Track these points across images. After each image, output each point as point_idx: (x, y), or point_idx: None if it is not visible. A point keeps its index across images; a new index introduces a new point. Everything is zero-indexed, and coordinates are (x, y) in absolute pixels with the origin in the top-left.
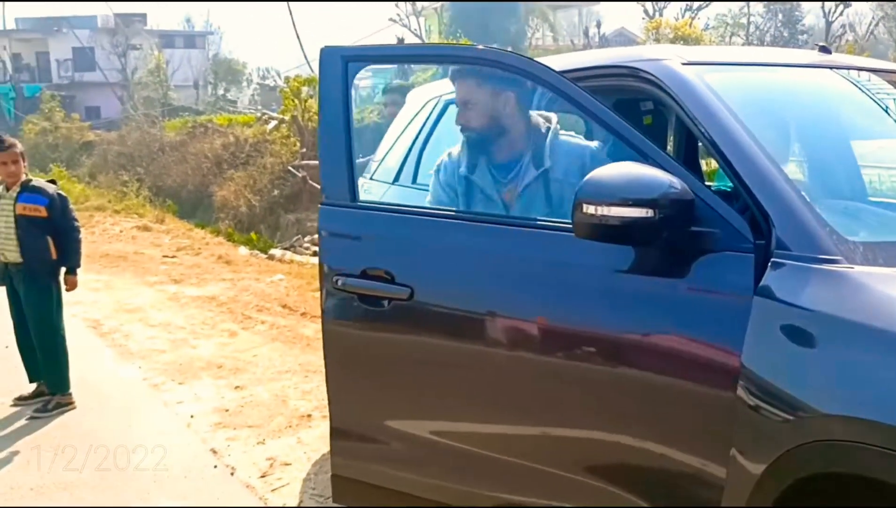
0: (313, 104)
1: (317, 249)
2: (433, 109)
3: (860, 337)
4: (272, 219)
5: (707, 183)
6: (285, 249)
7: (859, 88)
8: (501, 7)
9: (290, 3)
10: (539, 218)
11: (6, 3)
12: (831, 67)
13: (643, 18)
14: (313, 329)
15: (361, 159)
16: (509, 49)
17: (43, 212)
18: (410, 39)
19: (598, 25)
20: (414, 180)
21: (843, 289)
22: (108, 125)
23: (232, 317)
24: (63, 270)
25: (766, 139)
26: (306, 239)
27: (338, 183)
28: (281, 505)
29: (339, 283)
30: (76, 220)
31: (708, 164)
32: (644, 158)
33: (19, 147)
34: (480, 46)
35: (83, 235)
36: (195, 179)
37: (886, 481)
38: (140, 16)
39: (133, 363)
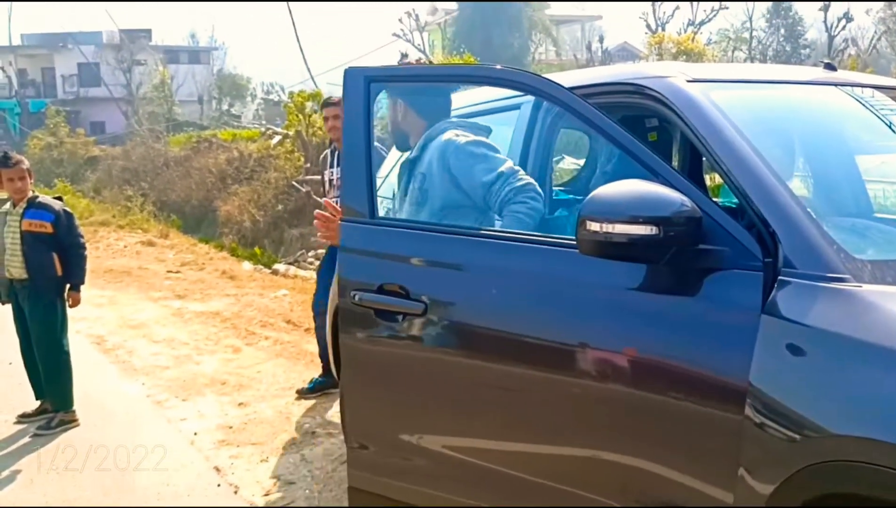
0: (317, 119)
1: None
2: None
3: (869, 357)
4: (276, 234)
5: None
6: (289, 264)
7: (864, 105)
8: (505, 22)
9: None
10: (548, 236)
11: (12, 19)
12: (836, 84)
13: (646, 33)
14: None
15: None
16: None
17: (49, 228)
18: (414, 54)
19: (601, 40)
20: None
21: (852, 308)
22: (113, 140)
23: (236, 333)
24: (67, 286)
25: (773, 157)
26: (310, 254)
27: (358, 200)
28: None
29: (357, 298)
30: (81, 236)
31: (712, 178)
32: (654, 175)
33: (26, 164)
34: (499, 66)
35: (88, 250)
36: (199, 194)
37: None
38: (145, 31)
39: (137, 380)
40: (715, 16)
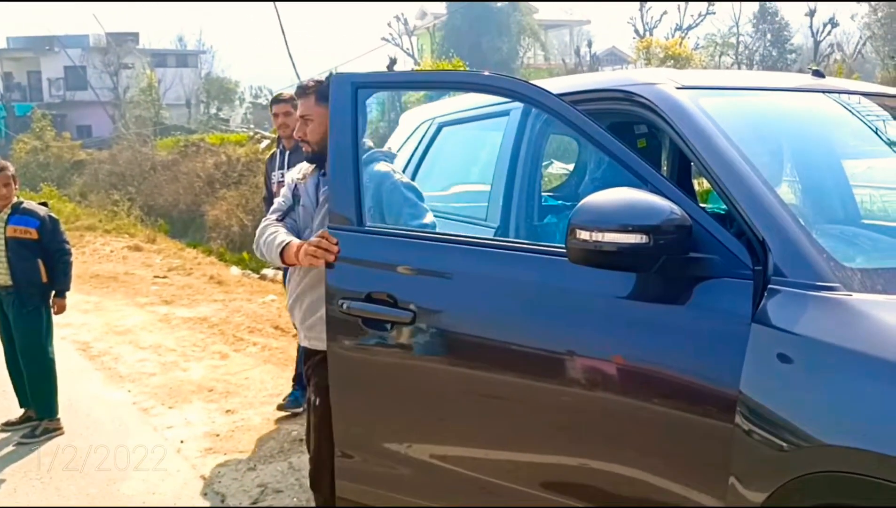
0: None
1: None
2: (426, 130)
3: (859, 366)
4: None
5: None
6: (277, 269)
7: (850, 111)
8: (493, 26)
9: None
10: (537, 243)
11: None
12: (824, 91)
13: (634, 38)
14: None
15: None
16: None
17: (33, 234)
18: (403, 59)
19: (589, 45)
20: None
21: (841, 317)
22: (100, 144)
23: (223, 339)
24: (52, 293)
25: (762, 164)
26: None
27: (346, 207)
28: None
29: (345, 306)
30: (67, 243)
31: (700, 184)
32: (643, 182)
33: (11, 169)
34: (487, 73)
35: (74, 256)
36: (187, 198)
37: None
38: (132, 35)
39: (123, 387)
40: (702, 20)
